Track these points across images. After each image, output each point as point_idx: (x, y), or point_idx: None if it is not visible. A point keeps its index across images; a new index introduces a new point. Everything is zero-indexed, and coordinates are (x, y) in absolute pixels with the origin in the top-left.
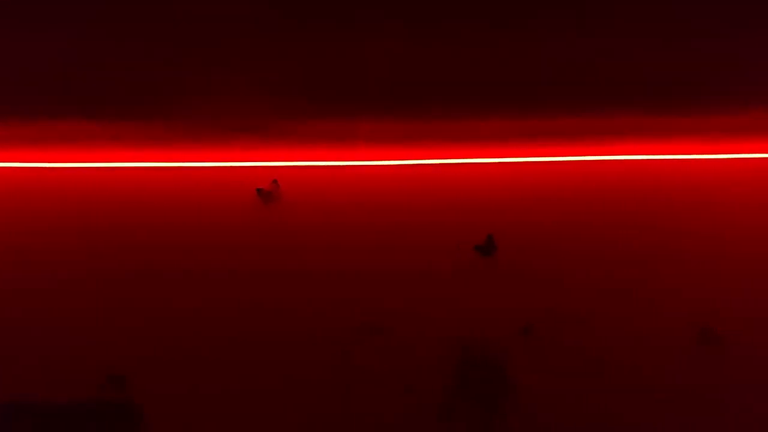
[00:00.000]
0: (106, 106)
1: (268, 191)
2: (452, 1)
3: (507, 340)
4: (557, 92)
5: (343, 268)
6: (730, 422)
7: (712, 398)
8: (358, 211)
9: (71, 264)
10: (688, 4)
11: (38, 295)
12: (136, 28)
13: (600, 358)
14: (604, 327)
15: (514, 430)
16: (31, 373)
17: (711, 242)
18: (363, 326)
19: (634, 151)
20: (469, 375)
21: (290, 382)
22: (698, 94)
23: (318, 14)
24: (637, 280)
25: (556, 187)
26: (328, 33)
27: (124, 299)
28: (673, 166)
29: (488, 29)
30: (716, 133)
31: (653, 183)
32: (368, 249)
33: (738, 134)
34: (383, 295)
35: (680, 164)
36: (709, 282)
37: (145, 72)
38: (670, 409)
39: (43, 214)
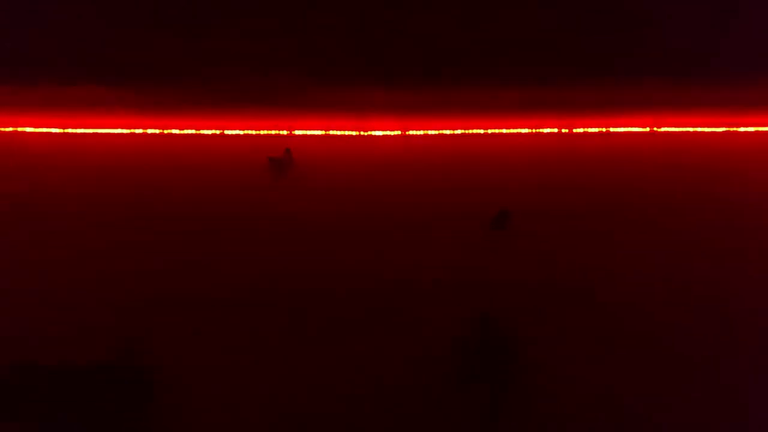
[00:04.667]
0: (121, 73)
1: (281, 159)
2: None
3: (519, 313)
4: (577, 62)
5: (356, 238)
6: (746, 399)
7: (727, 376)
8: (371, 180)
9: (88, 231)
10: None
11: (54, 259)
12: None
13: (613, 332)
14: (616, 299)
15: (526, 402)
16: (50, 336)
17: (731, 215)
18: (375, 292)
19: (653, 123)
20: (482, 347)
21: (302, 348)
22: (713, 66)
23: None
24: (652, 253)
25: (573, 158)
26: (345, 3)
27: (137, 264)
28: (691, 138)
29: None
30: (732, 105)
31: (671, 154)
32: (381, 219)
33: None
34: (395, 264)
35: (698, 136)
36: (728, 257)
37: (161, 39)
38: (681, 385)
39: (58, 180)
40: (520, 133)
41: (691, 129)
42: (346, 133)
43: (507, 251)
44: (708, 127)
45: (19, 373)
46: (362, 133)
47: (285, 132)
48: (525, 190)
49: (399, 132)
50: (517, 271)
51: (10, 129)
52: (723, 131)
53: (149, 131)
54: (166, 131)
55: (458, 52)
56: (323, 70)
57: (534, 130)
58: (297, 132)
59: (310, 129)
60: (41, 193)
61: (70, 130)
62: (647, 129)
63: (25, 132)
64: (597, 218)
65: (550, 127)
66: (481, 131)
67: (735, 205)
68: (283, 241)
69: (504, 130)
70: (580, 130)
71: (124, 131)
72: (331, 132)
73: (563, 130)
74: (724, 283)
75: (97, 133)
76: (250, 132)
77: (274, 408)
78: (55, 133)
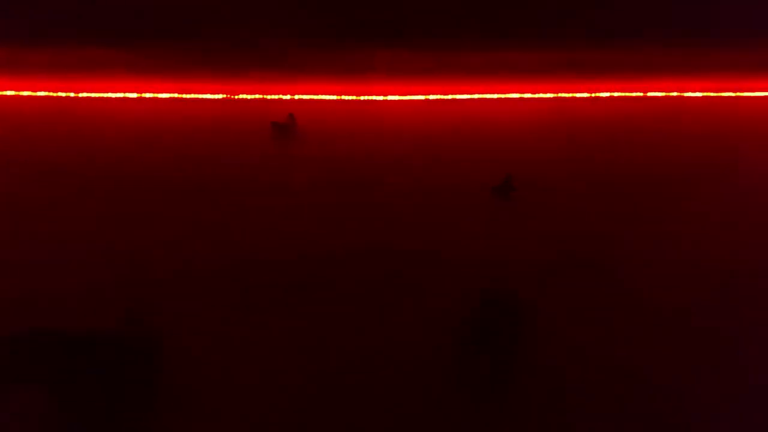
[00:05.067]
0: (124, 34)
1: (284, 124)
2: None
3: (524, 281)
4: (583, 25)
5: (358, 203)
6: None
7: (736, 340)
8: (373, 146)
9: (91, 197)
10: None
11: (60, 226)
12: None
13: (619, 300)
14: (623, 266)
15: (532, 375)
16: (58, 303)
17: (733, 177)
18: (378, 260)
19: (659, 88)
20: (487, 315)
21: (305, 316)
22: (727, 29)
23: None
24: (658, 219)
25: (576, 123)
26: None
27: (141, 230)
28: (697, 102)
29: None
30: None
31: (676, 119)
32: (384, 184)
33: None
34: (398, 229)
35: (702, 101)
36: (733, 223)
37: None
38: (688, 354)
39: (59, 146)
40: (531, 98)
41: (709, 94)
42: (350, 97)
43: (513, 221)
44: (724, 92)
45: (28, 339)
46: (366, 97)
47: (288, 96)
48: (533, 158)
49: (404, 97)
50: (523, 242)
51: (12, 93)
52: (747, 96)
53: (151, 95)
54: (168, 95)
55: (464, 12)
56: (324, 32)
57: (544, 95)
58: (300, 96)
59: (313, 93)
60: (46, 159)
61: (70, 94)
62: (671, 94)
63: (27, 96)
64: (606, 188)
65: (562, 92)
66: (488, 96)
67: (749, 174)
68: (286, 207)
69: (513, 95)
70: (593, 95)
71: (129, 95)
72: (335, 97)
73: (574, 95)
74: (734, 255)
75: (99, 98)
76: (252, 97)
77: (277, 374)
78: (56, 97)
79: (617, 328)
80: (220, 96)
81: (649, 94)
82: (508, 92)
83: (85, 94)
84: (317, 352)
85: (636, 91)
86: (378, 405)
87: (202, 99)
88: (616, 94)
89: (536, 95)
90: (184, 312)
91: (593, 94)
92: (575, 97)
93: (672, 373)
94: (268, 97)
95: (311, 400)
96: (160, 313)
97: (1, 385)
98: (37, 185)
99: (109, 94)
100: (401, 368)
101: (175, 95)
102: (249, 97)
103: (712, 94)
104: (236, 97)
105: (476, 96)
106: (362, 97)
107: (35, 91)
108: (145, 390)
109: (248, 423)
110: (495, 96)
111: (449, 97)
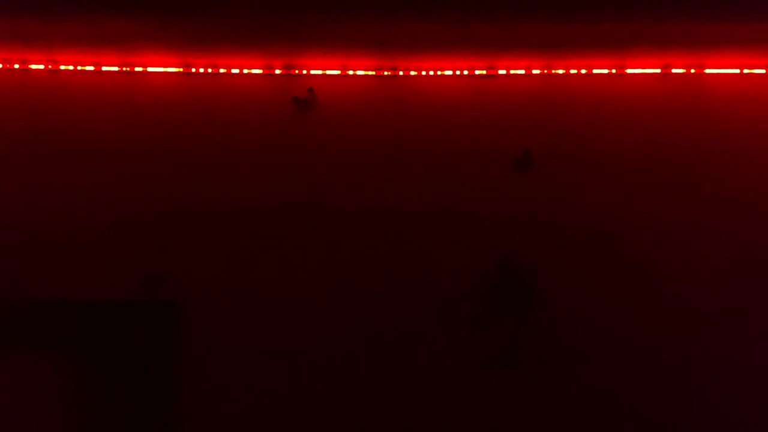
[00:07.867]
0: (146, 6)
1: (305, 99)
2: None
3: (540, 251)
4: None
5: (378, 177)
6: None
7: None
8: (394, 120)
9: (113, 170)
10: None
11: (84, 198)
12: None
13: (633, 271)
14: (639, 240)
15: (544, 340)
16: (78, 272)
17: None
18: (397, 236)
19: (679, 65)
20: (502, 285)
21: (326, 280)
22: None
23: None
24: (675, 195)
25: (595, 99)
26: None
27: (164, 203)
28: (717, 79)
29: None
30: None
31: (694, 95)
32: (404, 159)
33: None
34: (418, 204)
35: (726, 78)
36: (750, 197)
37: None
38: (692, 321)
39: (79, 120)
40: (546, 74)
41: (717, 70)
42: (371, 72)
43: (528, 192)
44: (734, 68)
45: (48, 307)
46: (386, 72)
47: (309, 71)
48: (548, 131)
49: (424, 72)
50: (538, 212)
51: (41, 66)
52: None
53: (168, 70)
54: (184, 70)
55: None
56: (345, 4)
57: (558, 71)
58: (321, 72)
59: (333, 68)
60: (69, 132)
61: (101, 68)
62: (683, 71)
63: (64, 71)
64: (619, 162)
65: (575, 68)
66: (511, 71)
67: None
68: (307, 180)
69: (522, 71)
70: (604, 71)
71: (152, 69)
72: (355, 72)
73: (596, 71)
74: (742, 232)
75: (119, 72)
76: (273, 71)
77: (296, 339)
78: (83, 71)
79: (626, 297)
80: (239, 71)
81: (672, 70)
82: (531, 67)
83: (107, 68)
84: (337, 310)
85: (655, 68)
86: (394, 362)
87: (223, 74)
88: (637, 70)
89: (560, 71)
90: (206, 281)
91: (613, 70)
92: (600, 74)
93: (679, 339)
94: (289, 71)
95: (328, 356)
96: (182, 280)
97: (26, 350)
98: (62, 158)
99: (132, 68)
100: (420, 325)
101: (195, 70)
102: (270, 71)
103: (734, 71)
104: (257, 71)
105: (500, 71)
106: (384, 72)
107: (75, 65)
108: (165, 353)
109: (265, 381)
110: (518, 72)
111: (473, 72)
